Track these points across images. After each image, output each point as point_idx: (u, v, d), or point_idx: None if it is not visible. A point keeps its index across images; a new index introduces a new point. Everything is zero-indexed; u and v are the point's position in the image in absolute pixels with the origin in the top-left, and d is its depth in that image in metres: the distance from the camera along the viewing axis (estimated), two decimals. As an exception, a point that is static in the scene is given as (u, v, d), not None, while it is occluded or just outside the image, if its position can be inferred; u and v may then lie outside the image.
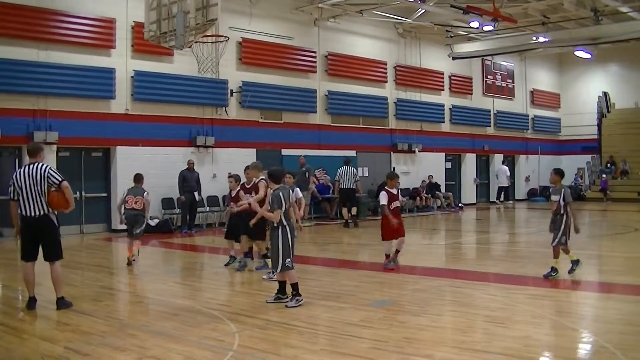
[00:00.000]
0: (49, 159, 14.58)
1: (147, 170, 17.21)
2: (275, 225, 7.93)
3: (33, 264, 7.85)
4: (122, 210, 11.60)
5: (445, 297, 8.51)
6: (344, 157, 20.76)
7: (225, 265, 11.31)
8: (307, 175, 19.58)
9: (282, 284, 8.18)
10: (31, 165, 7.75)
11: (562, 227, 9.34)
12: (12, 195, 7.79)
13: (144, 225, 11.82)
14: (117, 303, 8.82)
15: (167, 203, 18.24)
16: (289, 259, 7.88)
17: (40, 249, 7.83)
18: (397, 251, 10.71)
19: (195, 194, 17.64)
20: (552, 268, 9.45)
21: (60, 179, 7.75)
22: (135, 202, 11.51)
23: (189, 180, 17.56)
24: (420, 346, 6.11)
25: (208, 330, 6.76)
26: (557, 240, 9.40)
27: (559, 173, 9.70)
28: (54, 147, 16.06)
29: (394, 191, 10.64)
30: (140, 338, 6.50)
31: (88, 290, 9.30)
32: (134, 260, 11.63)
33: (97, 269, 11.78)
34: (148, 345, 6.21)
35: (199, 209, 18.31)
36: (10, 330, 6.94)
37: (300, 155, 19.95)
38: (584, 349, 6.20)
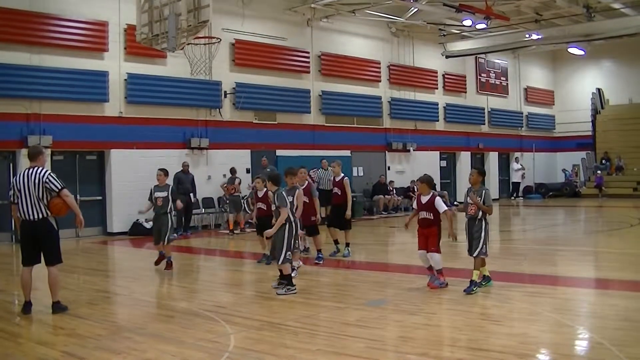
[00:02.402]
0: (43, 163, 14.55)
1: (141, 172, 17.31)
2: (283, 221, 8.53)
3: (31, 268, 7.83)
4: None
5: (441, 295, 8.50)
6: (337, 157, 20.69)
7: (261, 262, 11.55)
8: None
9: (282, 271, 8.75)
10: (31, 169, 7.73)
11: (483, 234, 8.38)
12: (12, 198, 7.84)
13: (242, 207, 17.36)
14: (112, 306, 8.80)
15: (162, 205, 18.18)
16: (289, 252, 8.58)
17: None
18: (430, 268, 8.85)
19: (191, 195, 17.61)
20: (485, 277, 8.62)
21: (59, 187, 7.72)
22: (233, 189, 16.86)
23: (183, 182, 17.52)
24: (416, 345, 6.11)
25: (203, 332, 6.75)
26: (478, 250, 8.38)
27: (482, 173, 8.74)
28: (48, 151, 15.97)
29: (424, 199, 8.75)
30: (136, 341, 6.49)
31: (84, 293, 9.29)
32: (237, 231, 16.84)
33: (93, 272, 11.74)
34: (143, 347, 6.20)
35: (194, 211, 18.26)
36: (6, 334, 6.92)
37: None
38: (580, 345, 6.21)
